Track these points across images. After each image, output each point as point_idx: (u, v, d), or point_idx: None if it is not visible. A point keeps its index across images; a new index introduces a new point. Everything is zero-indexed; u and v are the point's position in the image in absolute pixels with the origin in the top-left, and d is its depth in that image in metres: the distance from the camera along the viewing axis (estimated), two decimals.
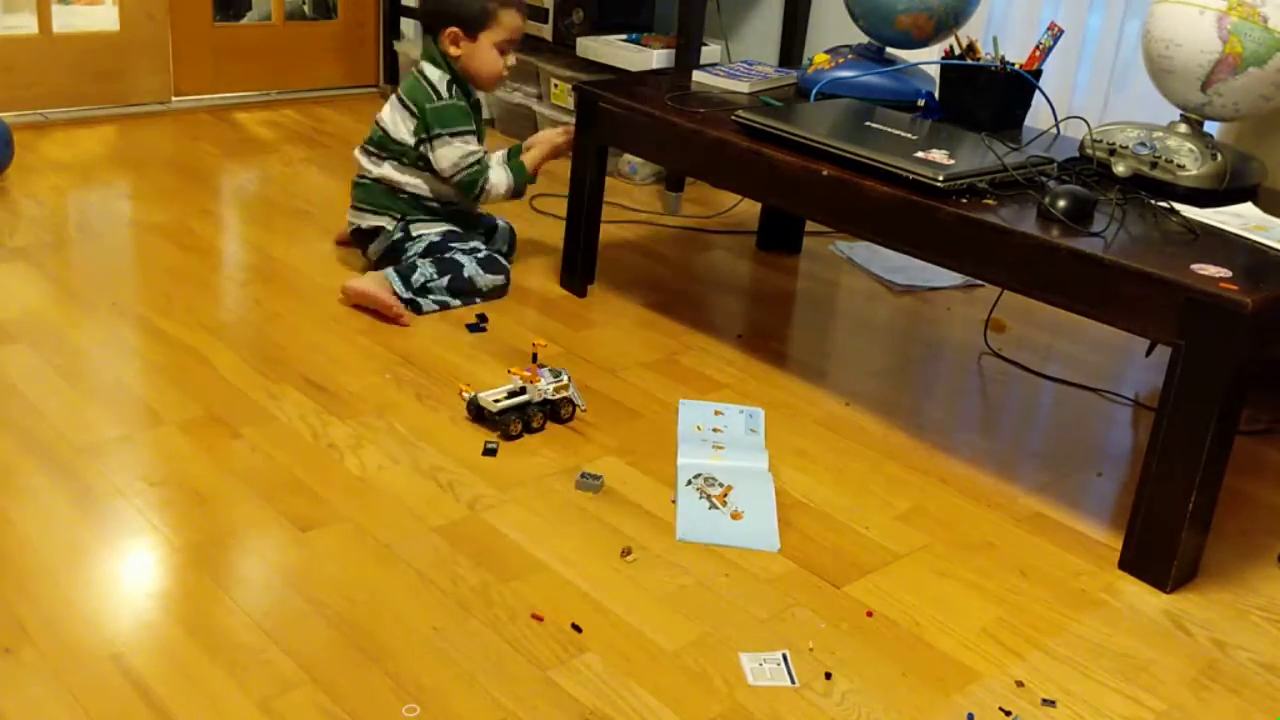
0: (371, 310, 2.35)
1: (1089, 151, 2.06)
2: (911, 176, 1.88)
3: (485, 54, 2.42)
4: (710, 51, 3.24)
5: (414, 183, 2.47)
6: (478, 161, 2.44)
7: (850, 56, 2.45)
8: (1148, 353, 2.49)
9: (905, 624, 1.58)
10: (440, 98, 2.43)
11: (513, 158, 2.56)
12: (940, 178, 1.85)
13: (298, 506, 1.72)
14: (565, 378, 2.01)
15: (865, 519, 1.82)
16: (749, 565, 1.67)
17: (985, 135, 2.12)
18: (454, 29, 2.40)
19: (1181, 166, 1.96)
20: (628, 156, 3.34)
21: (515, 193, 2.53)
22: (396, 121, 2.46)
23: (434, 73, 2.44)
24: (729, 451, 1.94)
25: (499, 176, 2.48)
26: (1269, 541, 1.86)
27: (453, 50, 2.41)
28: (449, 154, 2.41)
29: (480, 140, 2.49)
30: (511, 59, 2.46)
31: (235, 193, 3.11)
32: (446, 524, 1.71)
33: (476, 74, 2.45)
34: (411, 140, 2.44)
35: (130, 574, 1.57)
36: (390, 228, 2.47)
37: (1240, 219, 1.87)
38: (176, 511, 1.69)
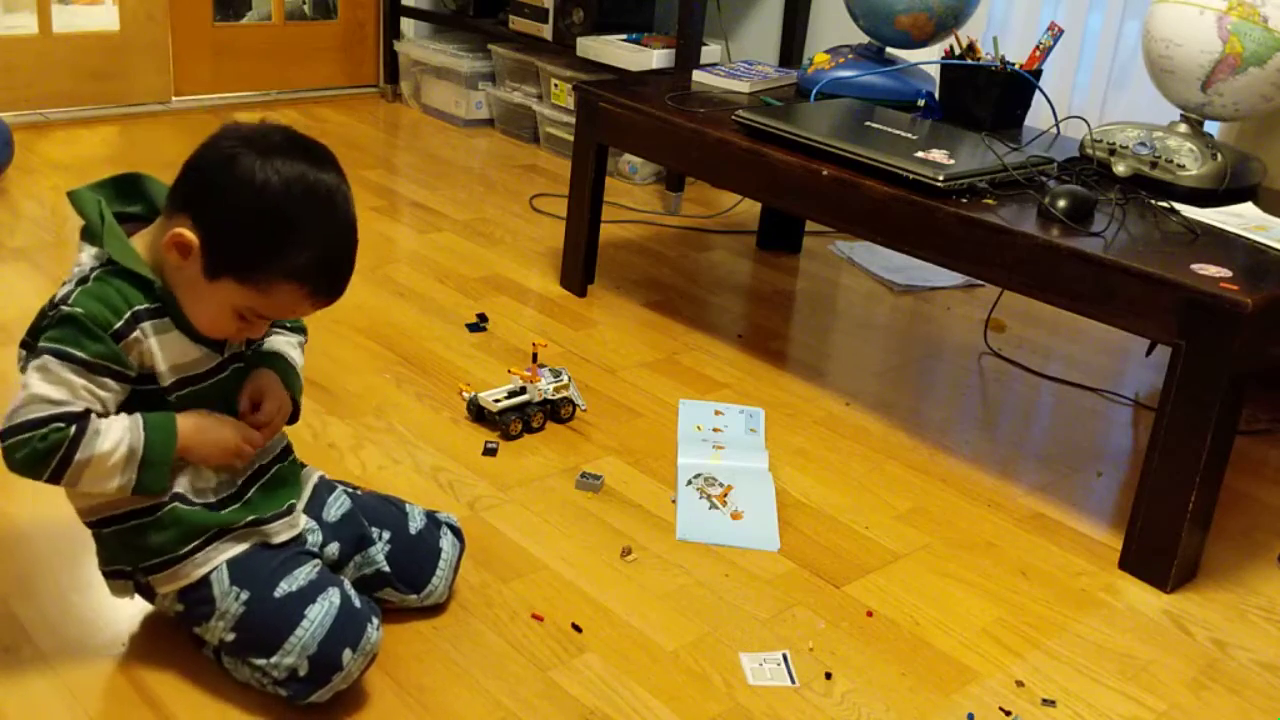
0: None
1: (1089, 151, 2.06)
2: (911, 176, 1.88)
3: (212, 304, 1.32)
4: (710, 51, 3.24)
5: None
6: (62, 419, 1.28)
7: (850, 56, 2.45)
8: (1148, 353, 2.49)
9: (905, 624, 1.58)
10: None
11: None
12: (940, 178, 1.85)
13: None
14: (565, 378, 2.01)
15: (865, 519, 1.82)
16: (749, 565, 1.67)
17: (985, 135, 2.12)
18: (189, 235, 1.28)
19: (1181, 166, 1.96)
20: (628, 156, 3.34)
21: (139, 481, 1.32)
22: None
23: (86, 255, 1.34)
24: (729, 451, 1.94)
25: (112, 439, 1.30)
26: (1269, 541, 1.86)
27: (172, 259, 1.31)
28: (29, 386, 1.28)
29: (127, 386, 1.31)
30: (261, 329, 1.37)
31: None
32: None
33: (187, 312, 1.33)
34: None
35: None
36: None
37: (1240, 219, 1.87)
38: None
